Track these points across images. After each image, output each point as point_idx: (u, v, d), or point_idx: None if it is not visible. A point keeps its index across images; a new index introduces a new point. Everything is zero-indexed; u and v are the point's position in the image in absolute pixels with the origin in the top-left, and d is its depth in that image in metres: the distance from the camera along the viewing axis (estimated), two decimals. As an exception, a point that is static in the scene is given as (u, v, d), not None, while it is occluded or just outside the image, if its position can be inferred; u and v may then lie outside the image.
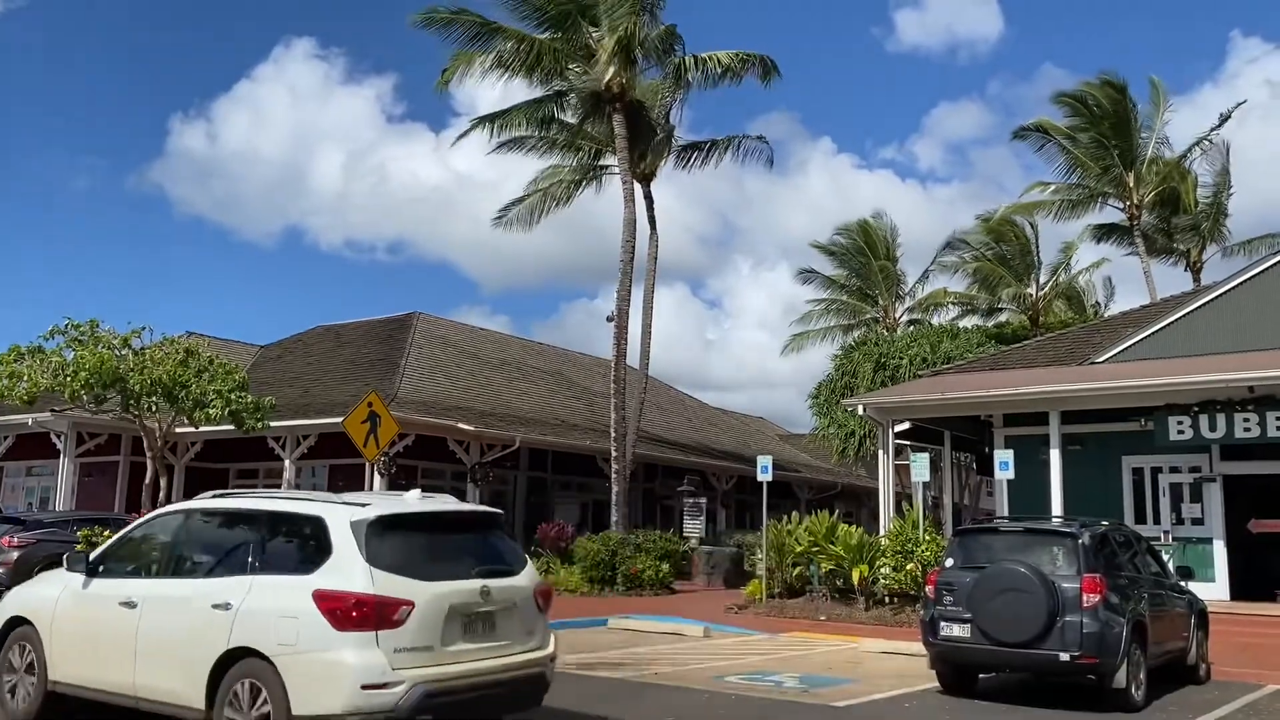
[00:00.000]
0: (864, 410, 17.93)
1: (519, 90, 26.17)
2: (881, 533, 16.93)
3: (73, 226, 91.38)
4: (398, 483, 24.21)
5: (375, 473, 21.35)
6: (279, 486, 24.58)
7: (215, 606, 5.87)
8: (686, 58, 23.89)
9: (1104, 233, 33.28)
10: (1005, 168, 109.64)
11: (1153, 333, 18.22)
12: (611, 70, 22.94)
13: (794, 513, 18.39)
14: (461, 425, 23.23)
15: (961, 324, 33.73)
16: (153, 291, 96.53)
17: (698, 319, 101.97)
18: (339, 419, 15.84)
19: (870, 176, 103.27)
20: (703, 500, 26.17)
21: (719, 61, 23.67)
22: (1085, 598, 9.11)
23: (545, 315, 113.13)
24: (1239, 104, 41.63)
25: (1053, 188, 31.33)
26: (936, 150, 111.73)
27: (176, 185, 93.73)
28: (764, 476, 17.62)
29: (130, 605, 6.26)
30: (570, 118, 25.32)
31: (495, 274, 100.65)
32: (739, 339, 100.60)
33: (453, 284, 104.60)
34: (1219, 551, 16.35)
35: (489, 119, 24.83)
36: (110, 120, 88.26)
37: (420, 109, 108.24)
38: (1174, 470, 17.12)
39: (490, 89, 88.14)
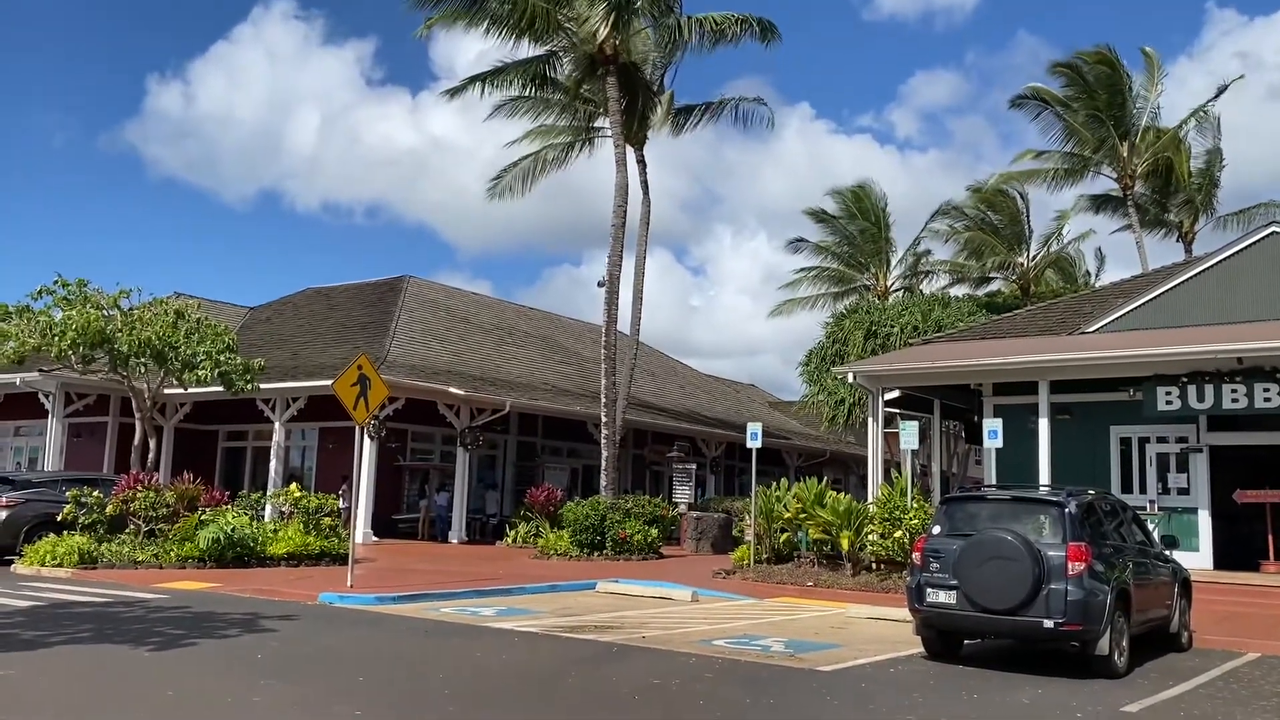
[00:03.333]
0: (854, 378, 17.89)
1: (506, 53, 25.58)
2: (870, 500, 16.98)
3: (47, 184, 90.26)
4: (388, 446, 24.22)
5: (365, 436, 21.31)
6: (268, 448, 24.53)
7: None
8: (684, 19, 23.52)
9: (1097, 203, 33.16)
10: (982, 136, 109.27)
11: (1143, 303, 18.19)
12: (604, 31, 22.57)
13: (783, 479, 18.41)
14: (452, 389, 23.16)
15: (953, 293, 33.72)
16: (129, 251, 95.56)
17: (682, 285, 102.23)
18: (329, 381, 15.74)
19: (848, 143, 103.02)
20: (692, 466, 26.20)
21: (715, 23, 23.31)
22: (1070, 566, 9.13)
23: (527, 281, 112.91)
24: (1237, 78, 41.23)
25: (1045, 155, 31.15)
26: (913, 118, 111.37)
27: (150, 146, 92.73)
28: (754, 443, 17.62)
29: None
30: (564, 79, 24.96)
31: (473, 239, 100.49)
32: (722, 305, 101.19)
33: (431, 248, 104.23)
34: (1204, 521, 16.45)
35: (483, 78, 24.44)
36: (86, 79, 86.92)
37: (400, 73, 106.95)
38: (1161, 440, 17.17)
39: (471, 53, 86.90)
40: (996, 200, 34.78)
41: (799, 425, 39.34)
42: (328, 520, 18.01)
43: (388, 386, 14.86)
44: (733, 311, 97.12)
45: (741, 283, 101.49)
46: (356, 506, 16.77)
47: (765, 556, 17.19)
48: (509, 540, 23.23)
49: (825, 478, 18.08)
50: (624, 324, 25.20)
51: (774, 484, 18.13)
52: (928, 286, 35.67)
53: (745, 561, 17.18)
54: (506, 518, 25.61)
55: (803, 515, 16.63)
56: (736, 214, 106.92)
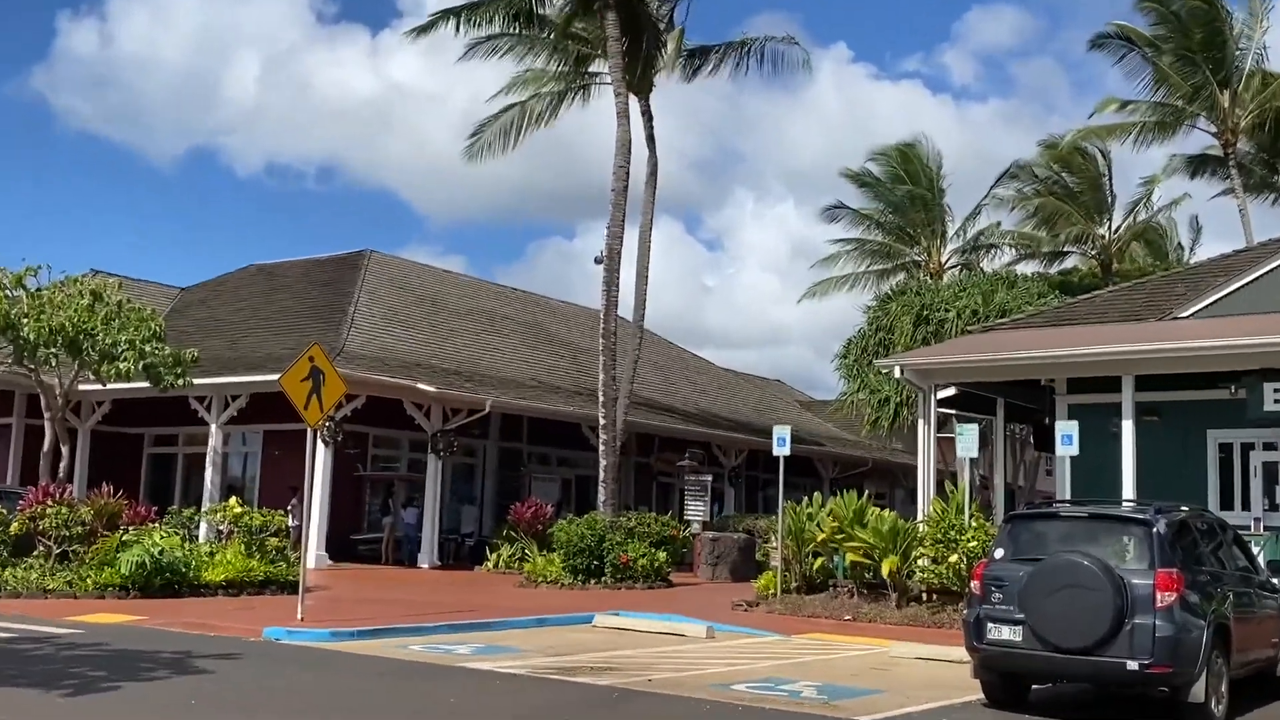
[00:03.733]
0: (901, 372, 17.89)
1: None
2: (919, 518, 16.99)
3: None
4: (346, 453, 24.31)
5: (318, 441, 21.36)
6: (202, 454, 24.63)
7: None
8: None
9: (1192, 163, 33.01)
10: (1053, 83, 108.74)
11: (1248, 282, 18.12)
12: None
13: (816, 493, 18.45)
14: (421, 385, 23.21)
15: (1020, 270, 33.69)
16: (37, 221, 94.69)
17: (694, 262, 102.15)
18: (275, 376, 15.75)
19: (893, 90, 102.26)
20: (707, 478, 26.28)
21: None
22: (1159, 596, 9.12)
23: (510, 257, 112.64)
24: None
25: (1131, 106, 30.90)
26: (970, 62, 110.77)
27: (61, 95, 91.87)
28: (781, 450, 17.63)
29: None
30: (553, 14, 24.92)
31: (447, 206, 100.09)
32: (743, 285, 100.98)
33: (396, 218, 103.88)
34: (1318, 543, 16.41)
35: (455, 12, 24.40)
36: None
37: (356, 7, 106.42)
38: (1269, 447, 17.14)
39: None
40: (1073, 160, 34.68)
41: (835, 429, 39.41)
42: (274, 541, 18.07)
43: (345, 382, 14.88)
44: (755, 293, 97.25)
45: (766, 258, 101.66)
46: (308, 524, 16.81)
47: (794, 585, 17.22)
48: (489, 565, 23.27)
49: (866, 492, 18.11)
50: (626, 308, 25.29)
51: (805, 499, 18.16)
52: (990, 263, 35.66)
53: (770, 591, 17.21)
54: (486, 538, 25.70)
55: (839, 536, 16.65)
56: (760, 176, 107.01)
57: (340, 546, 23.75)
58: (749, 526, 25.41)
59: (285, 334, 26.43)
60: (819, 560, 17.33)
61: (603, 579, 19.86)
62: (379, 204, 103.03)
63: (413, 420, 24.02)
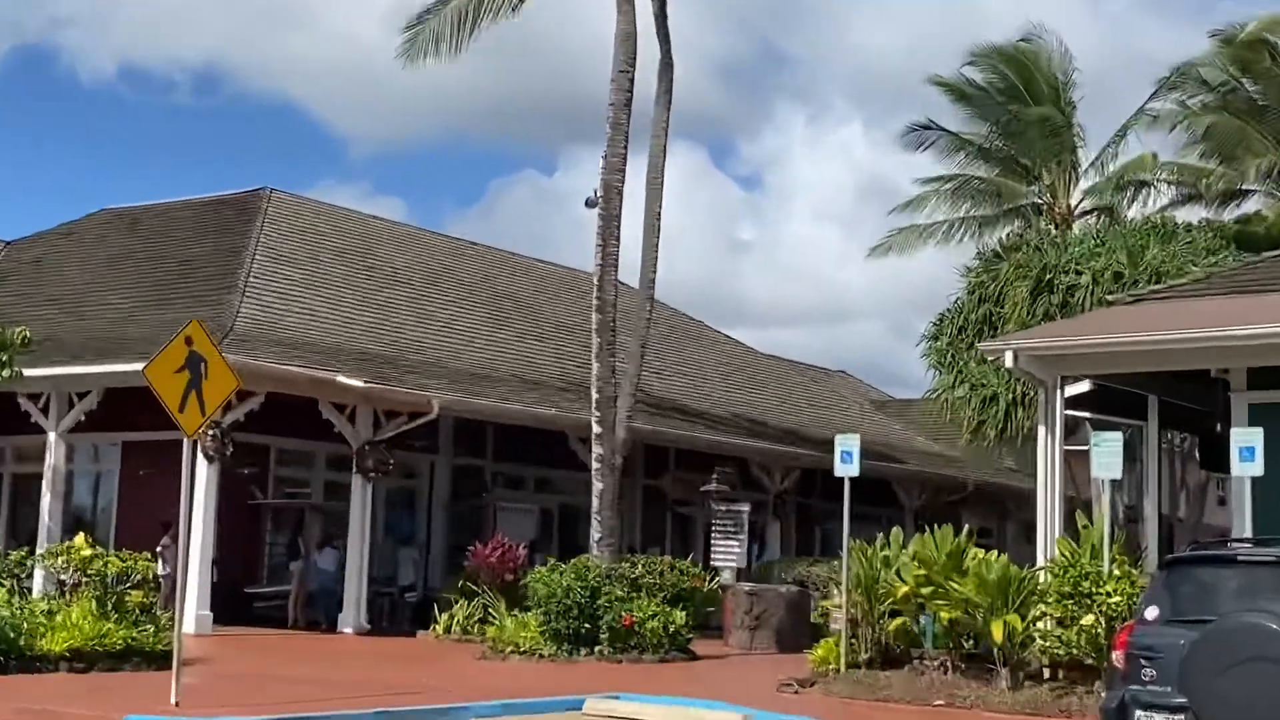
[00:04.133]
0: (1015, 360, 17.84)
1: None
2: (1040, 562, 16.98)
3: None
4: (238, 473, 24.36)
5: (200, 455, 21.41)
6: (38, 473, 24.68)
7: None
8: None
9: None
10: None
11: None
12: None
13: (895, 529, 18.41)
14: (344, 379, 23.26)
15: (1182, 217, 33.51)
16: None
17: (723, 206, 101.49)
18: (138, 365, 15.75)
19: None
20: (744, 508, 26.29)
21: None
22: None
23: (465, 199, 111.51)
24: None
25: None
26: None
27: None
28: (846, 470, 17.59)
29: None
30: None
31: (376, 128, 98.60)
32: (790, 239, 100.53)
33: (305, 142, 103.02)
34: None
35: None
36: None
37: None
38: None
39: None
40: (1258, 61, 34.45)
41: (921, 439, 39.43)
42: (138, 596, 18.10)
43: (237, 374, 14.90)
44: (809, 250, 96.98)
45: (824, 202, 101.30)
46: (186, 573, 16.83)
47: (865, 657, 17.21)
48: (438, 629, 23.32)
49: (966, 526, 18.06)
50: (630, 271, 25.23)
51: (880, 536, 18.14)
52: (1138, 208, 35.51)
53: (831, 665, 17.23)
54: (434, 592, 25.78)
55: (927, 589, 16.65)
56: (814, 87, 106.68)
57: (231, 603, 23.80)
58: (801, 575, 25.39)
59: (152, 307, 26.48)
60: (898, 621, 17.28)
61: (597, 648, 19.88)
62: (281, 125, 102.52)
63: (331, 427, 24.07)
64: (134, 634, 17.35)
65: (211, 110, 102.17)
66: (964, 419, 28.77)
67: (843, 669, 16.99)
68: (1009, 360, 17.96)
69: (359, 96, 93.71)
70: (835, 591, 19.45)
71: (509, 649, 20.13)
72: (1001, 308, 27.46)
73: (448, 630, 23.13)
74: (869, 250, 38.60)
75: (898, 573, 17.19)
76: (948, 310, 29.27)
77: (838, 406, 40.59)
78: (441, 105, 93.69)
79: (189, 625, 20.02)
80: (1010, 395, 27.01)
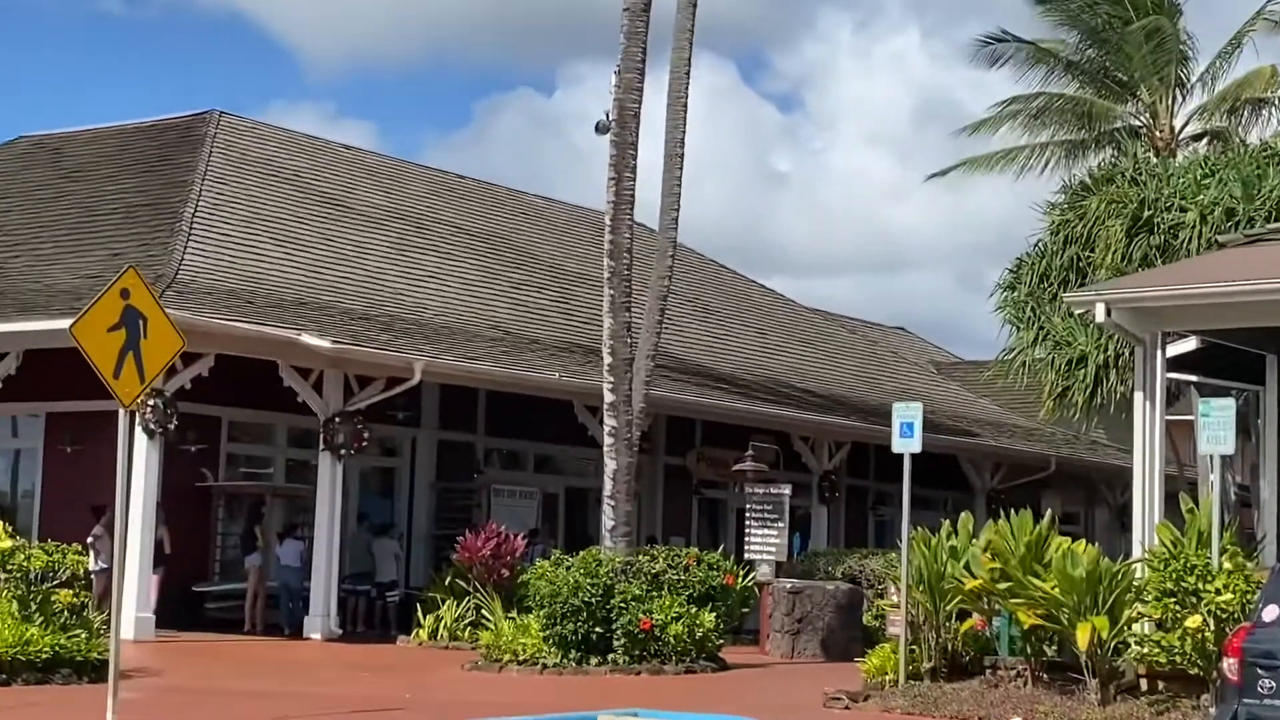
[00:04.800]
0: (1107, 313, 17.74)
1: None
2: (1136, 554, 16.95)
3: None
4: (184, 451, 24.39)
5: (138, 429, 21.39)
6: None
7: None
8: None
9: None
10: None
11: None
12: None
13: (963, 514, 18.39)
14: (308, 339, 23.23)
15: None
16: None
17: (759, 132, 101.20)
18: (64, 322, 15.74)
19: None
20: (784, 491, 26.19)
21: None
22: None
23: (448, 123, 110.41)
24: None
25: None
26: None
27: None
28: (906, 444, 17.57)
29: None
30: None
31: (340, 42, 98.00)
32: (835, 171, 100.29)
33: (259, 59, 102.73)
34: None
35: None
36: None
37: None
38: None
39: None
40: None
41: (994, 408, 39.36)
42: (67, 595, 18.12)
43: (182, 332, 14.87)
44: (857, 184, 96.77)
45: (874, 126, 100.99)
46: (124, 568, 16.83)
47: (928, 666, 17.23)
48: (421, 634, 23.38)
49: (1048, 510, 18.01)
50: (648, 210, 25.11)
51: (944, 522, 18.11)
52: (1256, 131, 35.25)
53: (889, 676, 17.23)
54: (417, 591, 25.82)
55: (1002, 585, 16.63)
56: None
57: (178, 604, 23.91)
58: (853, 570, 25.35)
59: (80, 252, 26.46)
60: (968, 624, 17.31)
61: (610, 656, 19.92)
62: (230, 36, 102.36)
63: (294, 396, 24.08)
64: (62, 640, 17.36)
65: (146, 22, 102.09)
66: (1045, 384, 28.66)
67: (902, 680, 16.97)
68: (1100, 314, 17.86)
69: (319, 4, 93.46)
70: (893, 589, 19.45)
71: (506, 657, 20.15)
72: (1091, 251, 27.31)
73: (433, 635, 23.16)
74: (929, 177, 38.49)
75: (967, 566, 17.18)
76: (1026, 255, 29.14)
77: (895, 370, 40.52)
78: (418, 12, 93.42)
79: (127, 630, 20.03)
80: (1101, 356, 26.90)
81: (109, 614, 16.09)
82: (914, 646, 17.31)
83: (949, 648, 17.34)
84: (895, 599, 18.33)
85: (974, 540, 17.46)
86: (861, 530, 35.17)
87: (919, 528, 17.96)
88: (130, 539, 20.29)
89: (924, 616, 17.40)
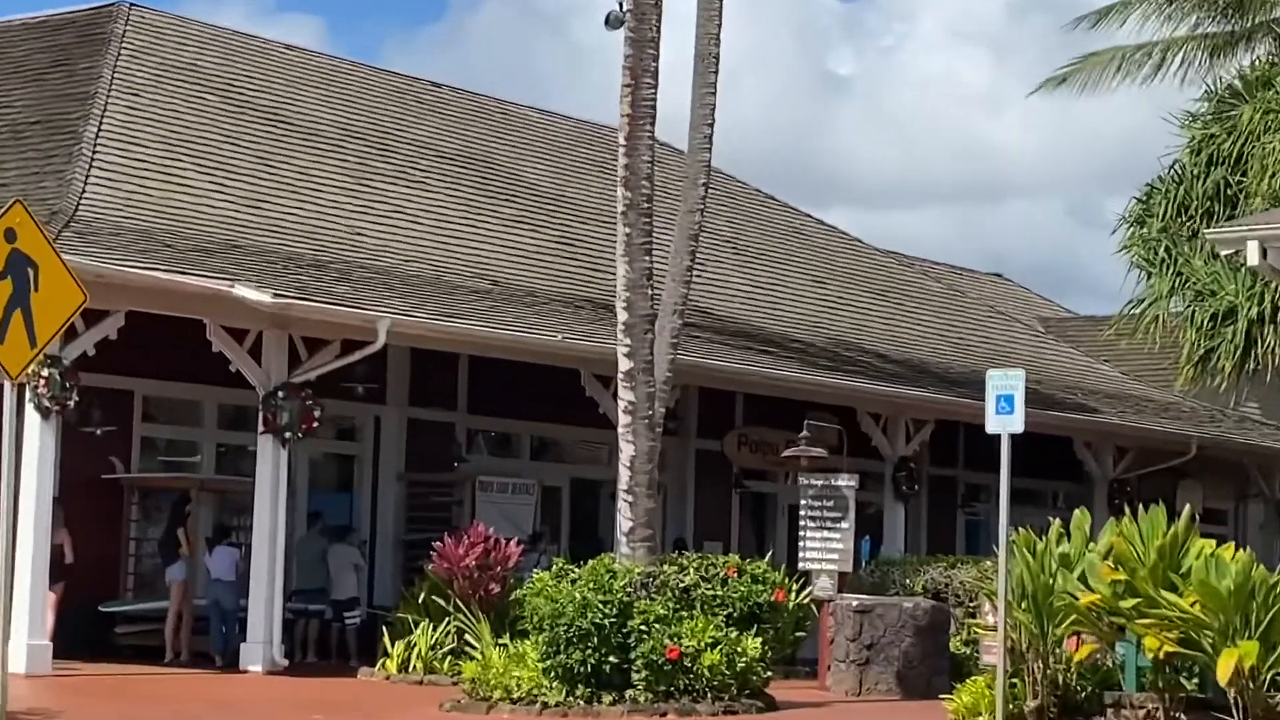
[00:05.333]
0: (1261, 254, 17.72)
1: None
2: (1298, 562, 16.89)
3: None
4: (88, 434, 24.43)
5: (29, 406, 21.42)
6: None
7: None
8: None
9: None
10: None
11: None
12: None
13: (1078, 511, 18.32)
14: (243, 290, 23.23)
15: None
16: None
17: (810, 26, 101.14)
18: (-68, 273, 15.77)
19: None
20: (849, 482, 26.22)
21: None
22: None
23: (411, 18, 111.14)
24: None
25: None
26: None
27: None
28: (1004, 423, 17.58)
29: None
30: None
31: None
32: (911, 77, 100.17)
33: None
34: None
35: None
36: None
37: None
38: None
39: None
40: None
41: (1118, 375, 39.24)
42: (-60, 617, 18.25)
43: (82, 283, 14.89)
44: (937, 90, 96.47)
45: (959, 16, 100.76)
46: (11, 584, 16.87)
47: (1034, 705, 17.21)
48: (388, 665, 23.46)
49: (1185, 506, 17.97)
50: (673, 127, 25.02)
51: (1054, 523, 18.09)
52: None
53: (984, 718, 17.26)
54: (384, 611, 25.91)
55: (1129, 602, 16.61)
56: None
57: (81, 627, 24.02)
58: (936, 583, 25.37)
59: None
60: (1084, 651, 17.30)
61: (629, 693, 19.89)
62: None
63: (226, 365, 24.10)
64: (-65, 675, 17.50)
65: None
66: (1184, 345, 28.64)
67: (999, 722, 17.01)
68: (1253, 255, 17.82)
69: None
70: (988, 607, 19.45)
71: (496, 694, 20.12)
72: (1243, 176, 27.26)
73: (403, 667, 23.22)
74: (1036, 87, 38.35)
75: (1082, 578, 17.11)
76: (1158, 180, 29.13)
77: (991, 328, 40.45)
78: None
79: (17, 662, 20.11)
80: (1255, 309, 26.87)
81: (-7, 641, 16.19)
82: (1015, 680, 17.28)
83: (1059, 681, 17.30)
84: (991, 619, 18.32)
85: (1091, 545, 17.39)
86: (948, 532, 35.23)
87: (1021, 529, 17.91)
88: (19, 546, 20.38)
89: (1028, 642, 17.35)
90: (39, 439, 22.09)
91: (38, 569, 22.27)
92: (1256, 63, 32.75)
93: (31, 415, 21.62)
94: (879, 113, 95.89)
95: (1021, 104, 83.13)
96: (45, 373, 21.55)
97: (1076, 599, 17.07)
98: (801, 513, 25.96)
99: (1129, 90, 36.23)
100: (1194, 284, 27.69)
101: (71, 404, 22.72)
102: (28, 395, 21.00)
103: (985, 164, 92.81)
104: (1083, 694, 17.37)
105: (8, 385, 14.23)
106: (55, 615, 23.10)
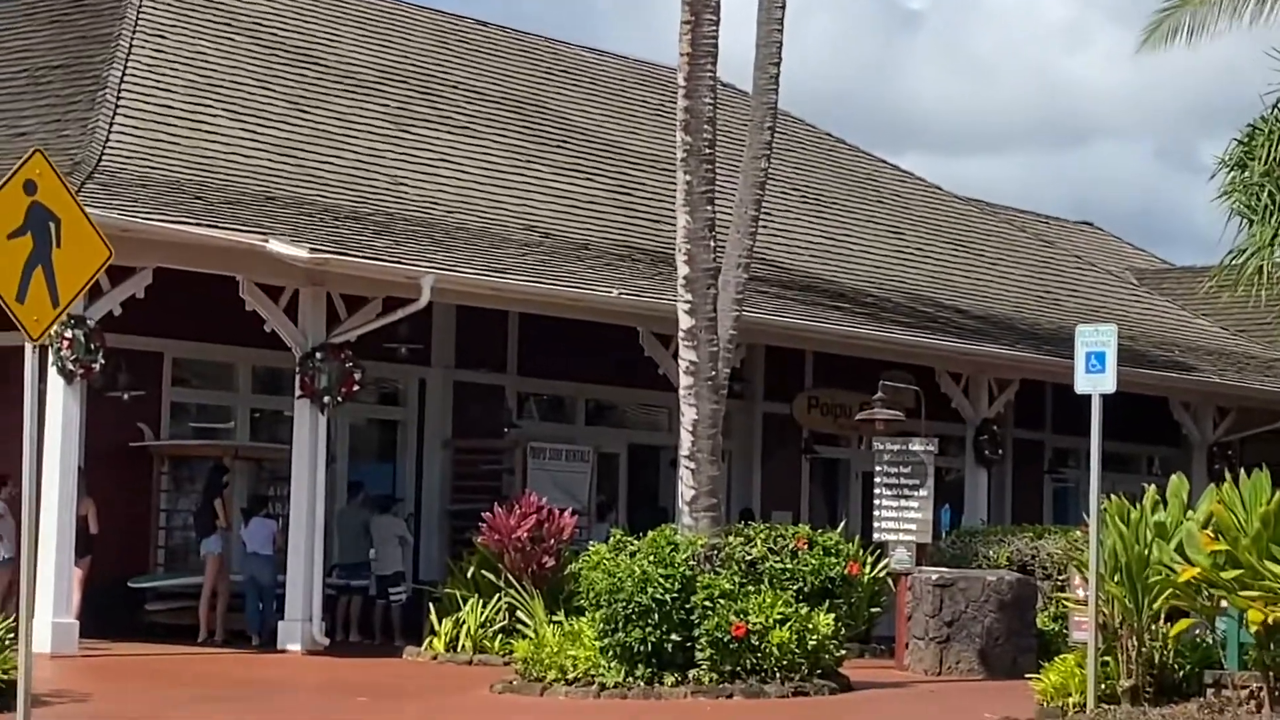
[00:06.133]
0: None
1: None
2: None
3: None
4: (115, 398, 24.51)
5: (52, 370, 21.52)
6: None
7: None
8: None
9: None
10: None
11: None
12: None
13: (1174, 476, 18.23)
14: (278, 245, 23.26)
15: None
16: None
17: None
18: (-52, 228, 15.83)
19: None
20: (928, 448, 26.17)
21: None
22: None
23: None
24: None
25: None
26: None
27: None
28: (1095, 383, 17.53)
29: None
30: None
31: None
32: (985, 7, 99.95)
33: None
34: None
35: None
36: None
37: None
38: None
39: None
40: None
41: (1218, 331, 39.03)
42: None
43: (108, 238, 14.93)
44: (1018, 24, 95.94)
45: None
46: (35, 558, 16.96)
47: (1128, 684, 17.15)
48: (435, 644, 23.58)
49: (1292, 472, 17.87)
50: (736, 67, 24.95)
51: (1149, 490, 18.00)
52: None
53: (1073, 698, 17.20)
54: (430, 586, 25.99)
55: (1230, 573, 16.54)
56: None
57: (109, 605, 24.15)
58: (1022, 554, 25.27)
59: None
60: (1181, 626, 17.24)
61: (692, 672, 19.87)
62: None
63: (260, 324, 24.16)
64: (-45, 655, 17.59)
65: None
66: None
67: (1091, 703, 16.91)
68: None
69: None
70: (1078, 580, 19.35)
71: (550, 675, 20.12)
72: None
73: (451, 646, 23.30)
74: (1143, 37, 37.97)
75: (1180, 549, 17.03)
76: (1261, 120, 28.83)
77: (1080, 281, 40.28)
78: None
79: (42, 641, 20.26)
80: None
81: (16, 619, 16.29)
82: (1107, 658, 17.26)
83: (1156, 659, 17.24)
84: (1081, 594, 18.24)
85: (1190, 513, 17.30)
86: (1034, 500, 35.13)
87: (1114, 496, 17.83)
88: (43, 519, 20.49)
89: (1121, 617, 17.30)
90: (63, 404, 22.17)
91: (62, 542, 22.34)
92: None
93: (55, 379, 21.73)
94: (953, 50, 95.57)
95: (1104, 38, 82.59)
96: (69, 334, 21.64)
97: (1174, 571, 16.99)
98: (876, 480, 25.89)
99: (1237, 26, 35.92)
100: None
101: (97, 367, 22.75)
102: (50, 358, 21.09)
103: (1066, 104, 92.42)
104: (1181, 672, 17.30)
105: (29, 347, 14.25)
106: (81, 591, 23.22)
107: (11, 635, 17.37)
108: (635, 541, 21.06)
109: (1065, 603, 20.92)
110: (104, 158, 24.50)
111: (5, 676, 16.86)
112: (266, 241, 23.13)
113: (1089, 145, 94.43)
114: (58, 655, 21.53)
